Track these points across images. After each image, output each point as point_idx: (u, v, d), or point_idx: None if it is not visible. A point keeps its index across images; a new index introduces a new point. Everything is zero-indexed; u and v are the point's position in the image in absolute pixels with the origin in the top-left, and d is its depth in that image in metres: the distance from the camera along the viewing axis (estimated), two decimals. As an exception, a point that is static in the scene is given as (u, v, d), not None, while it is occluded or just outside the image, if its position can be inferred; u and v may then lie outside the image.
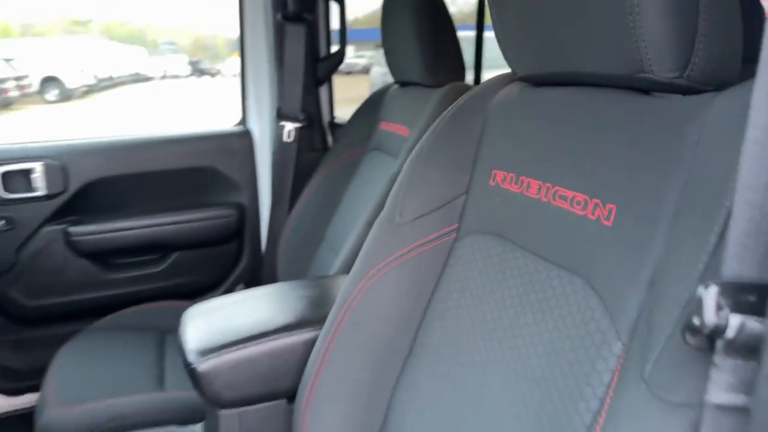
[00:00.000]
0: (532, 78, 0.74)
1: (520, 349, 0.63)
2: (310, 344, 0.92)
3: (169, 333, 1.48)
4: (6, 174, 1.55)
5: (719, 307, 0.34)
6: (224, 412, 0.93)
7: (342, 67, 1.86)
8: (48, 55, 15.82)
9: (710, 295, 0.35)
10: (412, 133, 1.33)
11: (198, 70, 25.67)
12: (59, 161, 1.60)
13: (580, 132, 0.62)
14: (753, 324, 0.34)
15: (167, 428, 1.08)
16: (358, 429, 0.83)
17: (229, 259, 1.83)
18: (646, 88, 0.56)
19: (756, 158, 0.34)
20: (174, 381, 1.27)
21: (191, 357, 0.91)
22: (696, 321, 0.35)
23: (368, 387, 0.83)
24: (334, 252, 1.48)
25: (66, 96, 15.51)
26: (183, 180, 1.76)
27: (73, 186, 1.61)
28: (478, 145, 0.80)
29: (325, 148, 1.85)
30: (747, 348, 0.34)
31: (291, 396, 0.92)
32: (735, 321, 0.34)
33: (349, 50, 1.93)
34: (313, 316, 0.96)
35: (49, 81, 15.53)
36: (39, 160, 1.57)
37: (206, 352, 0.92)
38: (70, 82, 15.91)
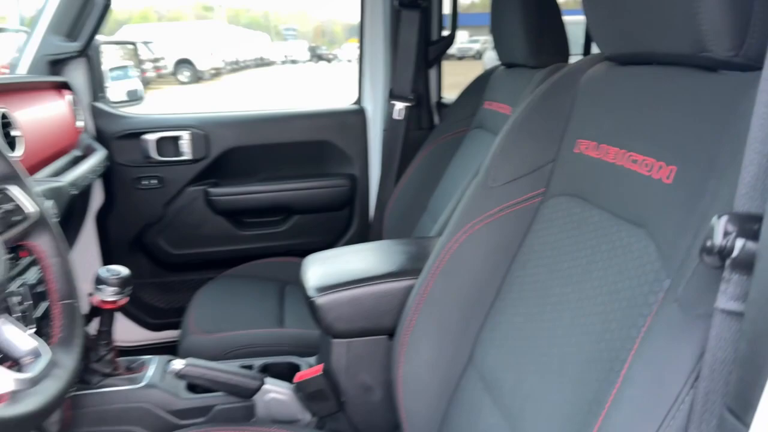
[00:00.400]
0: (617, 57, 0.82)
1: (588, 290, 0.73)
2: (409, 290, 1.06)
3: (288, 283, 1.69)
4: (160, 140, 1.82)
5: (727, 233, 0.44)
6: (336, 341, 1.10)
7: (455, 51, 1.98)
8: (181, 39, 17.03)
9: (720, 223, 0.44)
10: (513, 112, 1.42)
11: (316, 56, 26.61)
12: (203, 131, 1.85)
13: (653, 104, 0.71)
14: (751, 245, 0.43)
15: (286, 357, 1.27)
16: (447, 362, 0.97)
17: (340, 224, 2.02)
18: (709, 65, 0.64)
19: (764, 117, 0.43)
20: (292, 321, 1.47)
21: (311, 292, 1.09)
22: (709, 243, 0.45)
23: (457, 327, 0.96)
24: (433, 220, 1.62)
25: (197, 77, 16.70)
26: (304, 151, 1.97)
27: (214, 152, 1.86)
28: (568, 118, 0.89)
29: (432, 126, 1.98)
30: (747, 265, 0.44)
31: (391, 333, 1.07)
32: (739, 243, 0.44)
33: (464, 35, 2.03)
34: (413, 267, 1.10)
35: (182, 63, 16.79)
36: (187, 130, 1.83)
37: (323, 289, 1.09)
38: (201, 65, 17.09)
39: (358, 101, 2.03)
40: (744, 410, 0.41)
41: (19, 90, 1.42)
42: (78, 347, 0.77)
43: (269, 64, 24.22)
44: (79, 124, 1.70)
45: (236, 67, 20.38)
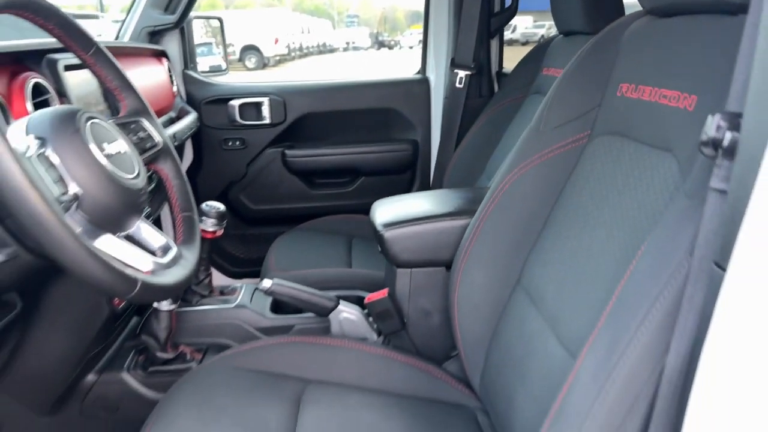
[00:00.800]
0: (656, 10, 0.93)
1: (620, 209, 0.85)
2: (465, 228, 1.20)
3: (354, 237, 1.85)
4: (243, 105, 2.02)
5: (719, 127, 0.56)
6: (400, 270, 1.26)
7: (519, 36, 2.08)
8: (248, 26, 17.48)
9: (715, 120, 0.57)
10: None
11: (378, 42, 26.75)
12: (281, 98, 2.03)
13: (683, 47, 0.82)
14: (737, 135, 0.55)
15: (355, 291, 1.44)
16: (498, 285, 1.10)
17: (403, 187, 2.17)
18: (730, 10, 0.75)
19: (752, 35, 0.55)
20: (359, 263, 1.64)
21: (380, 228, 1.25)
22: (705, 137, 0.57)
23: (507, 254, 1.10)
24: (490, 181, 1.74)
25: (262, 63, 17.18)
26: (371, 118, 2.12)
27: (290, 117, 2.05)
28: (612, 67, 1.01)
29: (492, 94, 2.10)
30: (734, 152, 0.56)
31: (449, 265, 1.22)
32: (729, 135, 0.56)
33: (528, 20, 2.12)
34: (469, 208, 1.24)
35: (248, 49, 17.29)
36: (266, 96, 2.03)
37: (390, 225, 1.25)
38: (267, 51, 17.54)
39: (422, 71, 2.17)
40: (724, 261, 0.54)
41: (126, 54, 1.63)
42: (196, 247, 0.96)
43: (332, 50, 24.51)
44: (174, 89, 1.91)
45: (300, 53, 20.76)
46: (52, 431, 1.24)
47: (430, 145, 2.14)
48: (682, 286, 0.60)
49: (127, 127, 0.94)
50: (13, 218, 0.71)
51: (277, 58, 18.08)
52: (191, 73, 2.03)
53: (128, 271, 0.72)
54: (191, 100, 2.01)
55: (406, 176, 2.17)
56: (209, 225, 1.31)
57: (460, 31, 1.98)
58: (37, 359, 1.13)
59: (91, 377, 1.25)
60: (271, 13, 21.83)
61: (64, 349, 1.15)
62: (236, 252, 2.17)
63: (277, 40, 18.17)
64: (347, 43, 25.86)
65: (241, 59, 17.46)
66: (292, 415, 0.99)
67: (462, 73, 1.99)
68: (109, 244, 0.78)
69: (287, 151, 2.07)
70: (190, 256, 0.92)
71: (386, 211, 1.32)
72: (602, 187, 0.93)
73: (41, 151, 0.72)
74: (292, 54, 19.83)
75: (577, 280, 0.89)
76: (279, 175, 2.09)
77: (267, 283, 1.24)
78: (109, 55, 0.96)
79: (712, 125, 0.57)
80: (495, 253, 1.12)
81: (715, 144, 0.57)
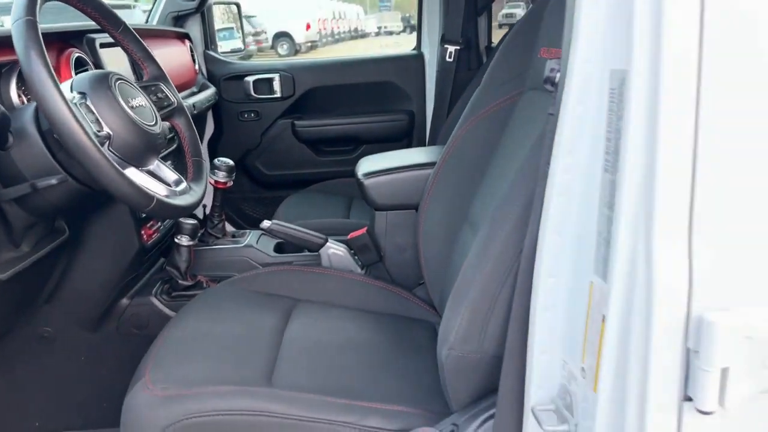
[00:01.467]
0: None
1: (515, 149, 1.07)
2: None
3: (355, 197, 2.10)
4: (256, 81, 2.28)
5: (552, 69, 0.78)
6: (378, 213, 1.50)
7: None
8: (280, 13, 17.67)
9: (551, 63, 0.79)
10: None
11: (410, 26, 26.71)
12: (291, 73, 2.29)
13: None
14: (558, 74, 0.77)
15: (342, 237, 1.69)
16: (452, 221, 1.33)
17: (401, 153, 2.41)
18: None
19: None
20: (355, 217, 1.89)
21: (360, 176, 1.49)
22: (545, 75, 0.79)
23: (459, 195, 1.32)
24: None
25: (294, 50, 17.42)
26: (371, 91, 2.36)
27: (299, 91, 2.30)
28: (537, 32, 1.21)
29: (479, 66, 2.30)
30: (556, 86, 0.78)
31: (417, 208, 1.45)
32: (557, 75, 0.78)
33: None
34: (435, 160, 1.47)
35: (280, 36, 17.52)
36: (277, 72, 2.28)
37: (369, 174, 1.49)
38: (299, 38, 17.77)
39: (418, 47, 2.39)
40: (549, 164, 0.76)
41: (154, 36, 1.90)
42: (203, 183, 1.22)
43: (364, 35, 24.58)
44: (196, 67, 2.18)
45: (332, 39, 20.91)
46: (95, 344, 1.52)
47: (425, 115, 2.36)
48: (534, 188, 0.83)
49: (149, 89, 1.20)
50: (63, 151, 0.98)
51: (309, 44, 18.26)
52: (211, 53, 2.30)
53: (147, 190, 0.98)
54: (211, 77, 2.28)
55: (403, 144, 2.40)
56: (221, 176, 1.58)
57: (450, 9, 2.19)
58: (82, 281, 1.41)
59: (125, 301, 1.53)
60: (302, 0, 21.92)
61: (104, 273, 1.43)
62: (253, 213, 2.45)
63: (309, 26, 18.34)
64: (379, 28, 25.86)
65: (273, 46, 17.69)
66: (283, 321, 1.25)
67: (451, 48, 2.20)
68: (134, 174, 1.05)
69: (296, 122, 2.33)
70: (198, 189, 1.18)
71: (368, 163, 1.56)
72: (524, 133, 1.15)
73: (82, 101, 0.99)
74: (324, 40, 19.99)
75: (496, 198, 1.11)
76: (289, 144, 2.35)
77: (266, 223, 1.50)
78: (134, 32, 1.22)
79: (549, 67, 0.79)
80: (450, 195, 1.35)
81: (551, 81, 0.79)
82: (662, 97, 0.56)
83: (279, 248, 1.66)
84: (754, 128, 0.57)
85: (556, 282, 0.73)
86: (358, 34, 24.01)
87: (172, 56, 1.96)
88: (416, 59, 2.34)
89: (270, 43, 17.32)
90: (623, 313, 0.61)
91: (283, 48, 17.36)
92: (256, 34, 15.47)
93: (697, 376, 0.58)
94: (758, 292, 0.60)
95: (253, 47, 14.68)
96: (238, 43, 2.84)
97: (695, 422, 0.60)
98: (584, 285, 0.68)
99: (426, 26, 2.33)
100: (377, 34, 25.16)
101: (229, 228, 1.81)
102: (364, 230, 1.50)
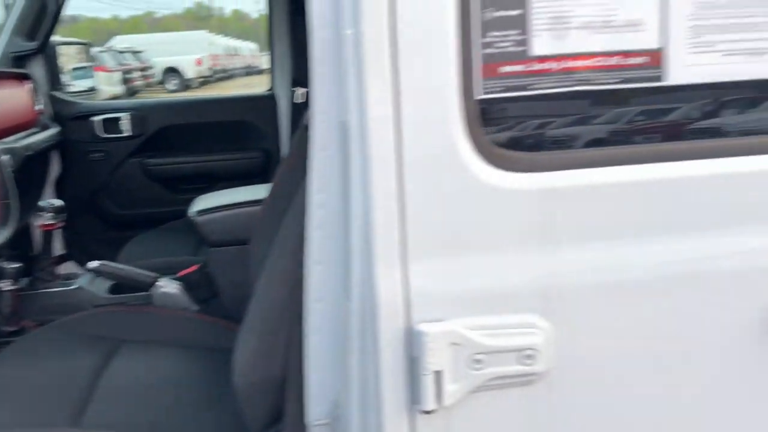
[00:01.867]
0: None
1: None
2: None
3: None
4: (105, 120, 2.27)
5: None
6: (213, 249, 1.54)
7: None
8: (169, 49, 17.36)
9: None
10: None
11: (303, 63, 26.97)
12: (143, 112, 2.29)
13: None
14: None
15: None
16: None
17: (257, 190, 2.46)
18: None
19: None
20: (205, 254, 1.91)
21: (193, 213, 1.53)
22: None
23: (275, 228, 1.39)
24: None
25: (184, 86, 17.11)
26: (226, 129, 2.41)
27: (151, 129, 2.31)
28: None
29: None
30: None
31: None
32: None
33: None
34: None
35: (170, 72, 17.20)
36: (127, 111, 2.28)
37: (202, 212, 1.53)
38: (189, 73, 17.49)
39: (271, 88, 2.47)
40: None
41: (-12, 77, 1.85)
42: (10, 225, 1.21)
43: (260, 71, 24.56)
44: (38, 107, 2.13)
45: (224, 75, 20.73)
46: None
47: (279, 152, 2.44)
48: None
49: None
50: None
51: (201, 80, 18.02)
52: (56, 93, 2.26)
53: None
54: (58, 118, 2.23)
55: (260, 180, 2.45)
56: (47, 218, 1.56)
57: (297, 53, 2.30)
58: None
59: None
60: (193, 36, 21.70)
61: None
62: (104, 253, 2.39)
63: (200, 61, 18.12)
64: (274, 65, 25.81)
65: (162, 82, 17.28)
66: (103, 362, 1.24)
67: (301, 90, 2.30)
68: None
69: (147, 161, 2.32)
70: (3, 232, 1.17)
71: (202, 202, 1.60)
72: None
73: None
74: (216, 76, 19.79)
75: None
76: (141, 182, 2.33)
77: (94, 263, 1.49)
78: None
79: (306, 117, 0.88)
80: (270, 229, 1.42)
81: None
82: (371, 150, 0.66)
83: (116, 289, 1.65)
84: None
85: (323, 306, 0.81)
86: (253, 70, 23.98)
87: (5, 97, 1.91)
88: (269, 99, 2.43)
89: (159, 78, 16.91)
90: (360, 330, 0.70)
91: (172, 84, 17.00)
92: (144, 69, 15.06)
93: (418, 380, 0.68)
94: (464, 306, 0.71)
95: (140, 83, 14.27)
96: (93, 83, 2.80)
97: (423, 423, 0.70)
98: (343, 308, 0.77)
99: (277, 69, 2.42)
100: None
101: (76, 269, 1.77)
102: (195, 267, 1.53)
